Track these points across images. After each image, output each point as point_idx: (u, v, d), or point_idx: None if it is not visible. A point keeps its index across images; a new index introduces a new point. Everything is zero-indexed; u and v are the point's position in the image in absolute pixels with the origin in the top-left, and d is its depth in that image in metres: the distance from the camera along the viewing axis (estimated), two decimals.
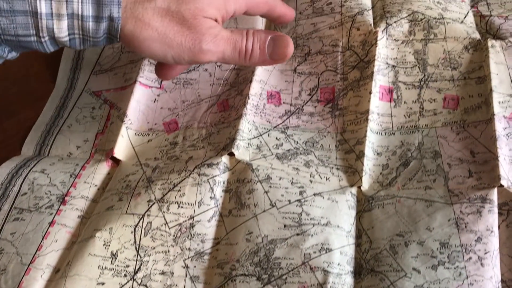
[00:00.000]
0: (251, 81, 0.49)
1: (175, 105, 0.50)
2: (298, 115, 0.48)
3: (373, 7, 0.54)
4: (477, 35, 0.49)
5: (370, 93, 0.46)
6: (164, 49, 0.36)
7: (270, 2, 0.44)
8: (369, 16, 0.51)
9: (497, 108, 0.43)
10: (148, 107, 0.50)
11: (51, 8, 0.32)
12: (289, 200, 0.41)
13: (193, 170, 0.42)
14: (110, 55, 0.54)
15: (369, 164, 0.44)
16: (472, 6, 0.54)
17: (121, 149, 0.47)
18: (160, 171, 0.44)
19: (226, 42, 0.37)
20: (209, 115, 0.48)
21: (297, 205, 0.40)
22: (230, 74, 0.52)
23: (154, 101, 0.50)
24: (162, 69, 0.44)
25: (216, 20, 0.38)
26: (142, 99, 0.50)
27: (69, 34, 0.34)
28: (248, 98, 0.47)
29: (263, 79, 0.50)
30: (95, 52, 0.55)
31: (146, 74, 0.51)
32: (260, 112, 0.48)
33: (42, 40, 0.34)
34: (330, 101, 0.48)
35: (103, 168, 0.46)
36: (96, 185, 0.45)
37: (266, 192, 0.41)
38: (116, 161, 0.47)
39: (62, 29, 0.34)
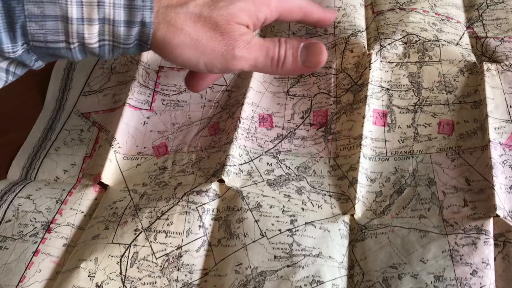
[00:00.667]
0: (242, 104, 0.48)
1: (165, 127, 0.49)
2: (290, 139, 0.47)
3: (367, 28, 0.53)
4: (472, 58, 0.49)
5: (364, 117, 0.45)
6: (196, 56, 0.35)
7: (306, 7, 0.42)
8: (362, 38, 0.51)
9: (492, 134, 0.43)
10: (137, 130, 0.49)
11: (82, 13, 0.31)
12: (280, 230, 0.40)
13: (181, 198, 0.41)
14: (99, 75, 0.53)
15: (362, 191, 0.43)
16: (467, 27, 0.53)
17: (109, 174, 0.46)
18: (148, 198, 0.43)
19: (259, 49, 0.36)
20: (199, 138, 0.47)
21: (288, 235, 0.39)
22: (221, 96, 0.51)
23: (144, 124, 0.49)
24: (192, 79, 0.43)
25: (248, 27, 0.37)
26: (131, 122, 0.49)
27: (99, 41, 0.33)
28: (239, 122, 0.46)
29: (255, 101, 0.49)
30: (84, 73, 0.54)
31: (136, 96, 0.50)
32: (252, 136, 0.47)
33: (72, 46, 0.32)
34: (323, 125, 0.47)
35: (91, 194, 0.45)
36: (82, 212, 0.44)
37: (256, 221, 0.40)
38: (103, 186, 0.46)
39: (92, 35, 0.32)
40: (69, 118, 0.51)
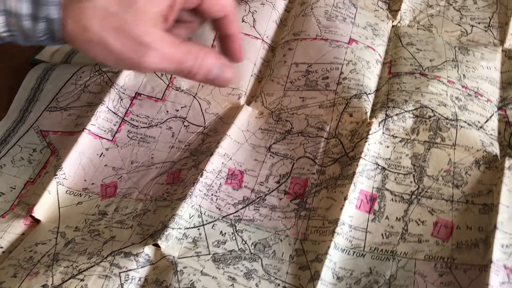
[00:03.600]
0: (212, 154, 0.41)
1: (122, 164, 0.43)
2: (257, 207, 0.40)
3: (377, 90, 0.45)
4: (494, 149, 0.40)
5: (345, 198, 0.38)
6: (104, 54, 0.33)
7: (230, 12, 0.37)
8: (367, 102, 0.43)
9: (497, 253, 0.34)
10: (90, 162, 0.43)
11: None
12: None
13: (106, 257, 0.35)
14: (70, 91, 0.48)
15: None
16: (499, 108, 0.45)
17: (45, 207, 0.40)
18: (72, 247, 0.37)
19: (169, 61, 0.34)
20: (154, 185, 0.41)
21: None
22: (195, 139, 0.44)
23: (100, 156, 0.43)
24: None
25: (164, 17, 0.34)
26: (86, 151, 0.43)
27: (8, 30, 0.32)
28: (202, 175, 0.40)
29: (229, 153, 0.42)
30: (56, 85, 0.48)
31: (100, 122, 0.44)
32: (212, 195, 0.40)
33: None
34: (299, 197, 0.40)
35: (19, 227, 0.40)
36: (1, 247, 0.38)
37: None
38: (36, 221, 0.40)
39: None
40: (26, 134, 0.46)
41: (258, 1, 0.51)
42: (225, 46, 0.39)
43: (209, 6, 0.36)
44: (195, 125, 0.45)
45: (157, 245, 0.36)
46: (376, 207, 0.38)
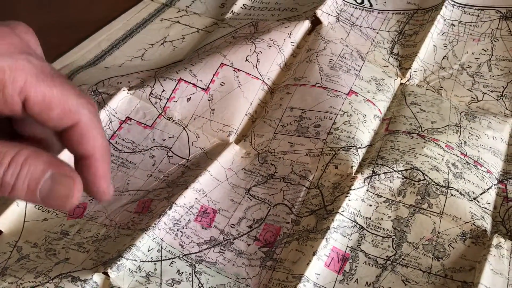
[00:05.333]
0: (187, 188, 0.40)
1: None
2: (223, 250, 0.38)
3: (370, 145, 0.43)
4: (485, 224, 0.37)
5: (314, 254, 0.35)
6: None
7: (82, 117, 0.24)
8: (355, 156, 0.41)
9: None
10: None
11: None
12: None
13: (52, 279, 0.33)
14: None
15: None
16: (500, 181, 0.42)
17: (10, 219, 0.39)
18: (24, 263, 0.36)
19: None
20: (122, 212, 0.40)
21: None
22: (175, 170, 0.43)
23: None
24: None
25: None
26: None
27: None
28: (170, 208, 0.38)
29: (205, 189, 0.41)
30: None
31: None
32: (178, 230, 0.38)
33: None
34: (268, 245, 0.38)
35: None
36: None
37: None
38: None
39: None
40: None
41: (265, 42, 0.51)
42: (84, 175, 0.25)
43: (42, 110, 0.23)
44: (178, 156, 0.44)
45: (107, 274, 0.34)
46: (347, 267, 0.36)
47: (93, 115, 0.24)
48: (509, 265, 0.35)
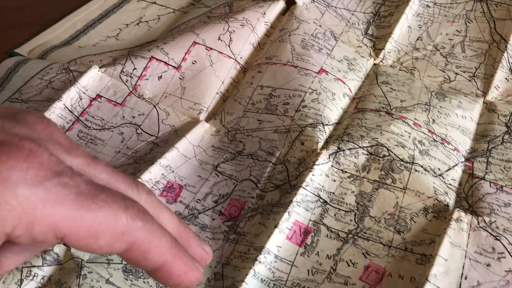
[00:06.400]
0: (153, 163, 0.40)
1: None
2: (188, 223, 0.38)
3: (338, 123, 0.44)
4: (448, 199, 0.37)
5: (276, 227, 0.35)
6: None
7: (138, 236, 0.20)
8: (321, 133, 0.41)
9: None
10: None
11: None
12: None
13: None
14: (35, 85, 0.47)
15: None
16: (466, 159, 0.42)
17: None
18: None
19: None
20: None
21: None
22: (144, 147, 0.43)
23: None
24: None
25: None
26: None
27: None
28: None
29: (172, 165, 0.41)
30: (23, 78, 0.49)
31: (53, 118, 0.44)
32: None
33: None
34: (233, 219, 0.38)
35: None
36: None
37: None
38: None
39: None
40: None
41: (239, 21, 0.51)
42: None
43: (88, 244, 0.19)
44: (148, 133, 0.44)
45: (68, 246, 0.34)
46: (308, 240, 0.36)
47: (148, 223, 0.20)
48: (468, 238, 0.35)
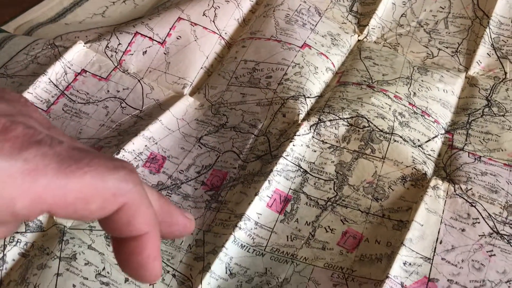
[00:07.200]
0: (136, 135, 0.40)
1: None
2: (170, 193, 0.39)
3: (320, 96, 0.44)
4: (426, 168, 0.38)
5: (256, 194, 0.36)
6: None
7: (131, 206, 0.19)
8: (303, 105, 0.42)
9: (397, 270, 0.32)
10: None
11: None
12: None
13: None
14: (21, 60, 0.48)
15: (212, 285, 0.33)
16: (447, 131, 0.43)
17: None
18: None
19: None
20: None
21: None
22: (128, 120, 0.44)
23: None
24: None
25: None
26: None
27: None
28: (118, 154, 0.39)
29: (155, 137, 0.41)
30: (9, 54, 0.49)
31: (38, 92, 0.44)
32: None
33: None
34: (215, 189, 0.39)
35: None
36: None
37: (58, 274, 0.32)
38: None
39: None
40: None
41: None
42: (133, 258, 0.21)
43: (77, 210, 0.18)
44: (132, 107, 0.45)
45: None
46: (288, 208, 0.37)
47: (138, 185, 0.19)
48: (444, 205, 0.36)
